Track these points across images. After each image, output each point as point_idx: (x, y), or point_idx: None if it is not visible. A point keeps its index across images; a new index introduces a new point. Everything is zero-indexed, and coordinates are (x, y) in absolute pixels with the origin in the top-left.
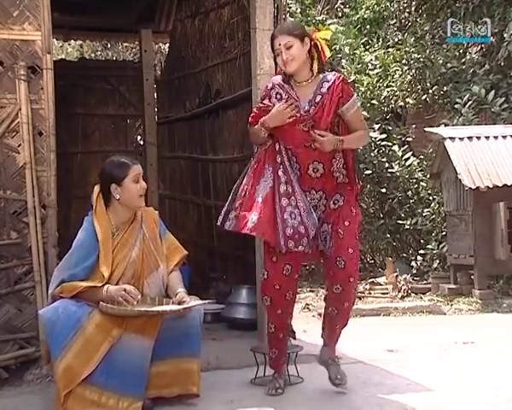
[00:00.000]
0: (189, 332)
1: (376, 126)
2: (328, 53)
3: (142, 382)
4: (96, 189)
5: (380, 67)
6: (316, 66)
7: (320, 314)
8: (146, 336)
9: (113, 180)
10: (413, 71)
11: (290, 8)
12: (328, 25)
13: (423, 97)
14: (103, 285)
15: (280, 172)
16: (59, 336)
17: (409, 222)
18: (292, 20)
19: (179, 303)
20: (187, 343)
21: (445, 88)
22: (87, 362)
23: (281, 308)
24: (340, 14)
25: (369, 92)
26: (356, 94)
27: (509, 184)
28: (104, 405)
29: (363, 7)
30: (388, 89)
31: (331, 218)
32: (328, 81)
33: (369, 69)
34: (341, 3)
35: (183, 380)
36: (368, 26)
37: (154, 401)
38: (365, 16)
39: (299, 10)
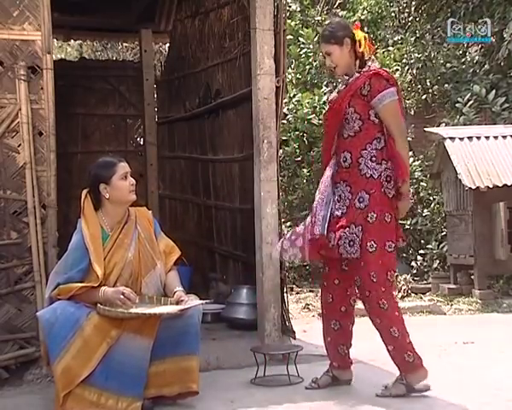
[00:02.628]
0: (188, 331)
1: None
2: (365, 48)
3: (141, 382)
4: (84, 192)
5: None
6: (357, 62)
7: (320, 314)
8: (144, 336)
9: (100, 180)
10: (413, 71)
11: (290, 6)
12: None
13: (423, 97)
14: (99, 286)
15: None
16: (57, 337)
17: (409, 222)
18: (337, 19)
19: (177, 302)
20: (186, 342)
21: (445, 88)
22: (86, 363)
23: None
24: (340, 14)
25: None
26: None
27: (509, 184)
28: (103, 405)
29: (361, 8)
30: None
31: (358, 220)
32: (360, 73)
33: None
34: (339, 4)
35: (183, 378)
36: (365, 28)
37: (155, 400)
38: (362, 17)
39: (298, 10)
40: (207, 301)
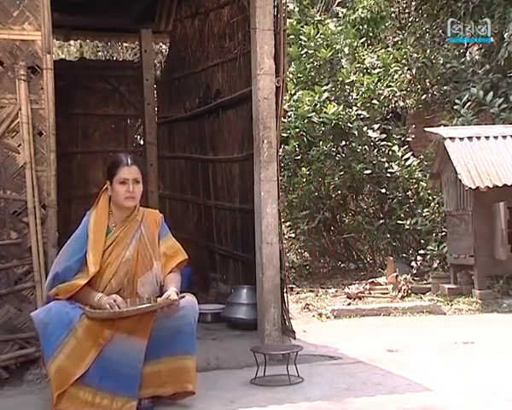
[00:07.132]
0: (183, 331)
1: (376, 126)
2: None
3: (136, 382)
4: (106, 184)
5: (380, 67)
6: None
7: (320, 314)
8: (138, 336)
9: (107, 177)
10: (413, 71)
11: (288, 6)
12: (327, 24)
13: (423, 97)
14: (92, 281)
15: None
16: (51, 336)
17: (409, 222)
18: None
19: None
20: (181, 342)
21: (445, 88)
22: (79, 363)
23: None
24: (339, 13)
25: (369, 92)
26: (356, 94)
27: (509, 184)
28: (98, 405)
29: (360, 6)
30: (388, 89)
31: None
32: None
33: (369, 69)
34: (338, 3)
35: (178, 378)
36: (365, 26)
37: (154, 400)
38: (362, 16)
39: (296, 10)
40: (182, 296)
